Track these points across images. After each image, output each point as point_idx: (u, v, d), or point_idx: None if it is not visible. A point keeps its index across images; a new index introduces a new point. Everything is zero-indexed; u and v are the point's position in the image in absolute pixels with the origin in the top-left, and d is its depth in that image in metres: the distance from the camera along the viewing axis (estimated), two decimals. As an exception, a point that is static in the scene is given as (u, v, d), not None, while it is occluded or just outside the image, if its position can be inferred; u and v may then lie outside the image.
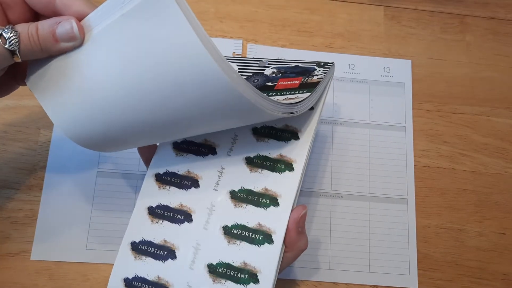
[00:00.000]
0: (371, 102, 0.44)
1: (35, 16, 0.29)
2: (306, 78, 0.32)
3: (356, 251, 0.39)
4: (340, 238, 0.39)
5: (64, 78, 0.26)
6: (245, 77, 0.34)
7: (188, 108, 0.25)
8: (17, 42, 0.25)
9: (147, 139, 0.29)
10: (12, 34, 0.25)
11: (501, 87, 0.46)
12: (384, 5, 0.48)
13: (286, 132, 0.31)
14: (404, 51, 0.46)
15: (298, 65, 0.34)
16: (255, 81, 0.33)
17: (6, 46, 0.25)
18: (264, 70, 0.35)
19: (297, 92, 0.30)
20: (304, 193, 0.40)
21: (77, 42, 0.25)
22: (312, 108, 0.31)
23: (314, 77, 0.32)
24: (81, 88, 0.26)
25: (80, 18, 0.26)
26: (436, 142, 0.43)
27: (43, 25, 0.25)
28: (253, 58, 0.36)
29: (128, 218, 0.38)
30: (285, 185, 0.30)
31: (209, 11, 0.46)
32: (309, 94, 0.29)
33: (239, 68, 0.36)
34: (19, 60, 0.26)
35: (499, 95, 0.45)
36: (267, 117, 0.27)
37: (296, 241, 0.29)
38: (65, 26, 0.25)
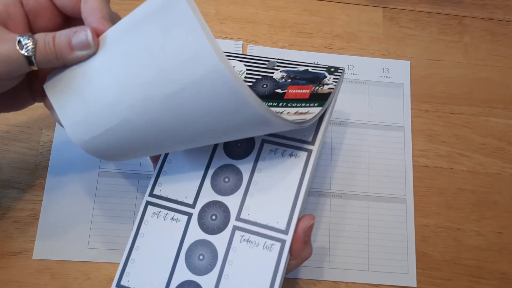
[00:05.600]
0: (370, 102, 0.44)
1: (66, 21, 0.30)
2: (317, 88, 0.32)
3: (355, 250, 0.39)
4: (340, 237, 0.40)
5: (78, 86, 0.27)
6: (254, 80, 0.34)
7: (201, 120, 0.25)
8: (33, 48, 0.26)
9: (157, 149, 0.30)
10: (29, 41, 0.26)
11: (499, 87, 0.46)
12: (383, 6, 0.48)
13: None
14: (403, 52, 0.46)
15: (307, 70, 0.34)
16: (264, 86, 0.33)
17: (23, 51, 0.26)
18: (273, 73, 0.34)
19: (308, 105, 0.30)
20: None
21: (90, 50, 0.26)
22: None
23: (325, 86, 0.32)
24: (94, 96, 0.26)
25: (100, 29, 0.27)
26: (434, 142, 0.43)
27: (60, 34, 0.26)
28: (262, 57, 0.36)
29: (129, 217, 0.39)
30: None
31: (210, 12, 0.46)
32: (320, 108, 0.29)
33: (247, 69, 0.35)
34: (35, 68, 0.26)
35: (497, 95, 0.46)
36: (277, 130, 0.27)
37: (302, 250, 0.29)
38: (81, 35, 0.26)
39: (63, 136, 0.41)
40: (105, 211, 0.39)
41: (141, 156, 0.31)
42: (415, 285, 0.39)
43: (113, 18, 0.28)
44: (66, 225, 0.38)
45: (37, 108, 0.41)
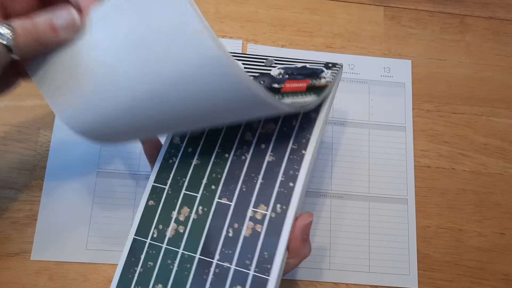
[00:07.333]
0: (371, 102, 0.44)
1: (42, 4, 0.28)
2: (314, 81, 0.31)
3: (356, 251, 0.39)
4: (340, 238, 0.39)
5: (68, 67, 0.25)
6: (251, 77, 0.34)
7: (191, 96, 0.24)
8: (12, 36, 0.24)
9: (154, 129, 0.28)
10: (7, 30, 0.24)
11: (501, 87, 0.46)
12: (384, 5, 0.48)
13: None
14: (404, 51, 0.46)
15: (305, 66, 0.33)
16: (261, 82, 0.33)
17: (0, 41, 0.24)
18: (270, 70, 0.34)
19: (304, 95, 0.29)
20: (304, 193, 0.40)
21: (77, 29, 0.25)
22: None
23: (322, 79, 0.31)
24: (86, 74, 0.25)
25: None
26: (436, 142, 0.43)
27: (40, 18, 0.25)
28: (259, 55, 0.36)
29: (128, 218, 0.38)
30: None
31: (209, 11, 0.46)
32: (316, 97, 0.28)
33: (245, 67, 0.35)
34: (17, 58, 0.25)
35: (499, 95, 0.45)
36: (271, 113, 0.26)
37: (300, 248, 0.28)
38: (63, 15, 0.24)
39: (61, 136, 0.40)
40: (104, 212, 0.39)
41: (135, 138, 0.30)
42: (416, 287, 0.39)
43: None
44: (64, 226, 0.38)
45: (35, 108, 0.41)
